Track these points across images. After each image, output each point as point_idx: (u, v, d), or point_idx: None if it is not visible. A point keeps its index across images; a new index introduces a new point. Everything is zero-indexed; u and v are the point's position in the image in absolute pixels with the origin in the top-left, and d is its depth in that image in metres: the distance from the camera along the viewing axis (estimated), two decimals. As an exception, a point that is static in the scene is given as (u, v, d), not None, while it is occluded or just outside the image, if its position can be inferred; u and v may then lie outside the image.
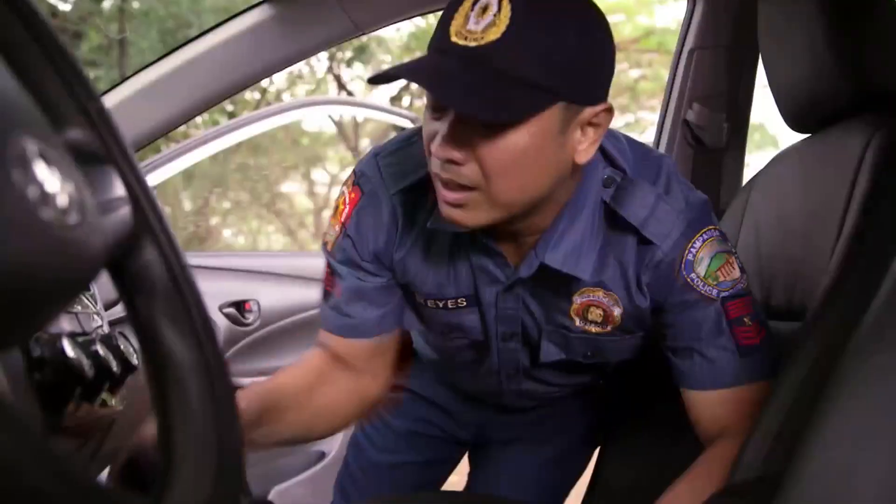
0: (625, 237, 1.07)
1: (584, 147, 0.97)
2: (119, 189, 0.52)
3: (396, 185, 1.10)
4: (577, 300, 1.11)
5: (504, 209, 0.96)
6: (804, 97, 1.25)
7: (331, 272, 1.17)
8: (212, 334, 0.59)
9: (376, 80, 0.92)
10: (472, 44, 0.88)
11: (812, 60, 1.19)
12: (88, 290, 1.03)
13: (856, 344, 0.85)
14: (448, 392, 1.47)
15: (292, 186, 9.57)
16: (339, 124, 8.60)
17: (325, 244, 1.16)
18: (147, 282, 0.56)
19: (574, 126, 0.95)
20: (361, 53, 8.39)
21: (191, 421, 0.56)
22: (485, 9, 0.88)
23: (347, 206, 1.12)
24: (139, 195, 0.55)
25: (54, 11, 7.24)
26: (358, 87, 9.00)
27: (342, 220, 1.12)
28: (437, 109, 0.94)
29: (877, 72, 1.16)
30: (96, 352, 0.86)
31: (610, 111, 0.97)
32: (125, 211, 0.52)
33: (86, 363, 0.81)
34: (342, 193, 1.14)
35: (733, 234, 1.40)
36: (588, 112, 0.95)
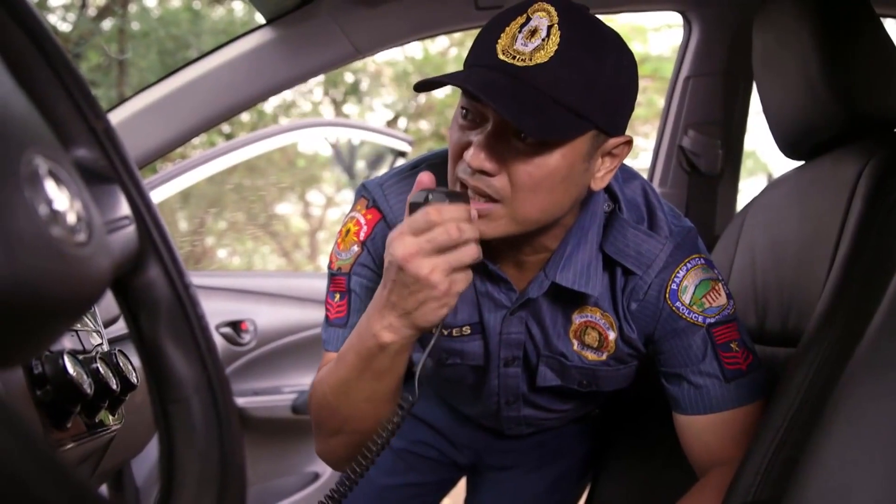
0: (612, 265, 1.10)
1: (601, 175, 1.01)
2: (125, 208, 0.53)
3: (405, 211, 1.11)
4: (577, 319, 1.13)
5: (522, 225, 0.98)
6: (798, 125, 1.26)
7: (343, 297, 1.15)
8: (215, 353, 0.59)
9: (421, 86, 0.95)
10: (520, 63, 0.91)
11: (806, 88, 1.21)
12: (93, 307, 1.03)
13: (850, 370, 0.85)
14: (447, 415, 1.47)
15: (288, 208, 9.58)
16: (334, 147, 8.63)
17: (337, 270, 1.14)
18: (151, 300, 0.56)
19: (598, 154, 0.99)
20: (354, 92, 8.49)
21: (194, 440, 0.56)
22: (533, 32, 0.92)
23: (366, 227, 1.12)
24: (144, 214, 0.56)
25: (54, 31, 7.27)
26: (353, 110, 9.05)
27: (361, 238, 1.12)
28: (472, 120, 0.97)
29: (869, 100, 1.18)
30: (97, 369, 0.87)
31: (629, 143, 1.01)
32: (130, 230, 0.53)
33: (86, 381, 0.81)
34: (353, 218, 1.14)
35: (728, 260, 1.41)
36: (612, 142, 0.99)
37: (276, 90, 1.58)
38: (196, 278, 2.21)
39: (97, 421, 0.89)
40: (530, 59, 0.91)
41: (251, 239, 9.16)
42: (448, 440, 1.49)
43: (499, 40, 0.93)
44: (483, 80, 0.92)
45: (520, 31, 0.92)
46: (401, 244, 0.90)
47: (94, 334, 1.01)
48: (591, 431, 1.51)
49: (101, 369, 0.87)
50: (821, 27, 1.18)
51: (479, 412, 1.36)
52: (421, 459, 1.50)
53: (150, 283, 0.56)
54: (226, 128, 8.07)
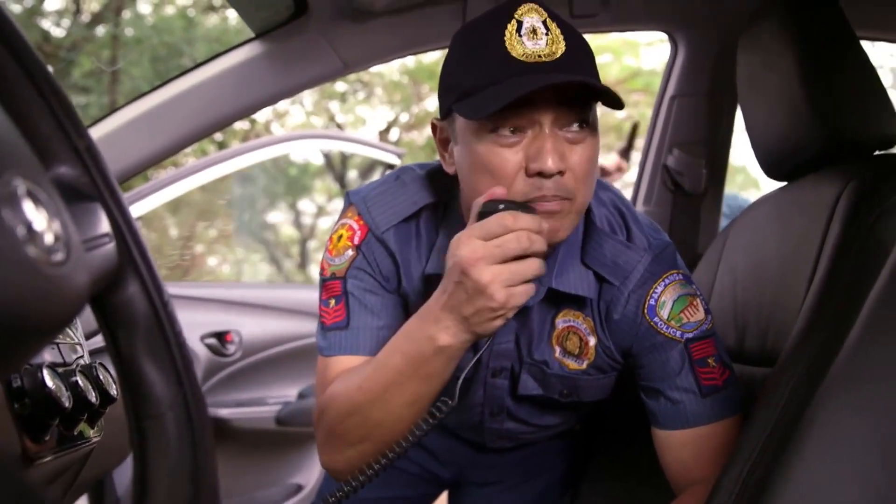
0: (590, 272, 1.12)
1: None
2: (105, 225, 0.54)
3: (388, 222, 1.12)
4: (559, 324, 1.14)
5: (580, 216, 1.02)
6: (780, 146, 1.27)
7: (339, 300, 1.13)
8: (191, 370, 0.60)
9: (485, 112, 0.94)
10: (550, 59, 0.95)
11: (788, 110, 1.22)
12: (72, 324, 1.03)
13: (822, 392, 0.87)
14: (432, 432, 1.47)
15: (278, 216, 9.58)
16: (327, 156, 8.64)
17: (331, 276, 1.14)
18: (129, 316, 0.57)
19: None
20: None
21: (167, 456, 0.57)
22: (534, 31, 0.94)
23: (359, 231, 1.13)
24: (124, 231, 0.56)
25: (47, 37, 7.26)
26: (345, 119, 9.07)
27: (356, 242, 1.12)
28: (518, 133, 0.97)
29: (849, 123, 1.19)
30: (76, 383, 0.87)
31: None
32: (110, 247, 0.54)
33: (65, 394, 0.81)
34: (345, 224, 1.14)
35: (710, 279, 1.42)
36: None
37: (264, 104, 1.59)
38: (182, 289, 2.22)
39: (76, 433, 0.89)
40: (554, 53, 0.95)
41: (241, 247, 9.15)
42: (430, 454, 1.49)
43: (508, 50, 0.95)
44: (543, 80, 0.93)
45: (519, 35, 0.95)
46: (468, 247, 0.90)
47: (76, 347, 1.01)
48: (573, 447, 1.51)
49: (80, 382, 0.87)
50: (803, 50, 1.20)
51: (463, 424, 1.37)
52: (401, 473, 1.50)
53: (129, 299, 0.57)
54: (218, 136, 8.07)
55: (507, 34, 0.95)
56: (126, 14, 7.99)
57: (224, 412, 2.10)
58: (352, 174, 8.71)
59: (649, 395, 1.14)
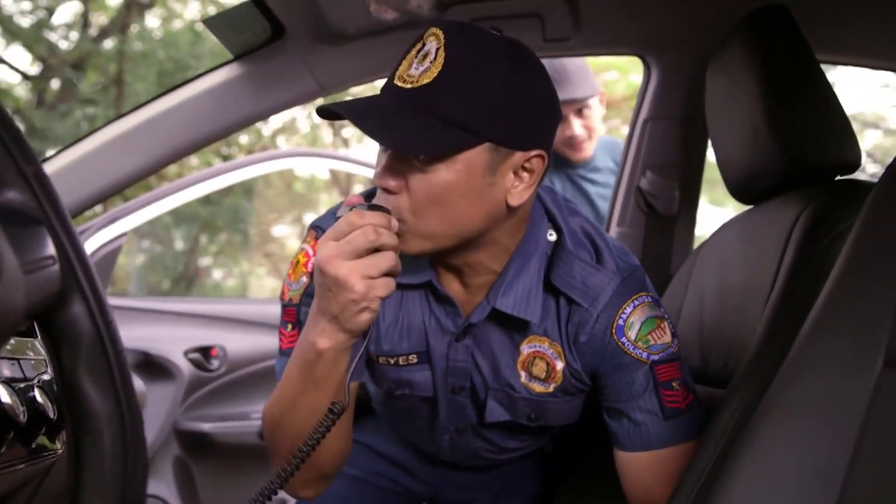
0: (557, 294, 1.13)
1: (519, 190, 1.03)
2: (49, 248, 0.56)
3: None
4: (525, 349, 1.15)
5: (434, 240, 1.02)
6: (745, 170, 1.29)
7: (294, 327, 1.18)
8: (130, 388, 0.62)
9: (322, 113, 1.00)
10: (407, 86, 0.96)
11: (752, 135, 1.24)
12: (9, 340, 1.05)
13: (758, 414, 0.88)
14: (405, 450, 1.48)
15: (283, 230, 9.62)
16: (332, 171, 8.67)
17: (288, 301, 1.18)
18: (73, 335, 0.59)
19: (506, 169, 1.01)
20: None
21: (101, 471, 0.59)
22: (425, 56, 0.97)
23: (313, 258, 1.16)
24: (70, 253, 0.59)
25: (53, 49, 7.33)
26: (352, 132, 9.11)
27: (309, 269, 1.16)
28: (384, 150, 1.02)
29: (810, 149, 1.20)
30: (33, 398, 0.89)
31: (542, 158, 1.03)
32: (53, 269, 0.56)
33: (20, 409, 0.83)
34: (302, 249, 1.18)
35: (679, 301, 1.43)
36: (519, 156, 1.01)
37: (242, 125, 1.62)
38: (168, 304, 2.24)
39: (34, 446, 0.91)
40: (416, 82, 0.96)
41: (246, 260, 9.19)
42: (404, 470, 1.50)
43: (399, 68, 0.99)
44: (364, 104, 0.98)
45: (416, 57, 0.98)
46: (323, 248, 0.95)
47: (42, 363, 1.03)
48: (546, 467, 1.52)
49: (38, 397, 0.90)
50: (766, 76, 1.21)
51: (432, 443, 1.38)
52: (375, 489, 1.51)
53: (73, 319, 0.59)
54: (224, 149, 8.12)
55: (410, 54, 0.99)
56: (135, 27, 8.07)
57: (207, 426, 2.12)
58: (357, 189, 8.75)
59: (612, 417, 1.15)
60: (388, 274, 0.96)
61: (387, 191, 0.99)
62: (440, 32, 0.97)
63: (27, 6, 7.37)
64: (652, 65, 1.82)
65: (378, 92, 1.03)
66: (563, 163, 2.25)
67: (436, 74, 0.95)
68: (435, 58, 0.96)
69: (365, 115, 0.97)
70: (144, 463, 0.63)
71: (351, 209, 0.97)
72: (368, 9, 1.48)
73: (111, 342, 0.62)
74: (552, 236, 1.14)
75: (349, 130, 9.13)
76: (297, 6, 1.50)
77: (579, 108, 2.12)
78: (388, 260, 0.95)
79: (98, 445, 0.60)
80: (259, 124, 8.35)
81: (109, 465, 0.60)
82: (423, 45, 0.98)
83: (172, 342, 2.10)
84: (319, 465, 1.12)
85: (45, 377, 1.01)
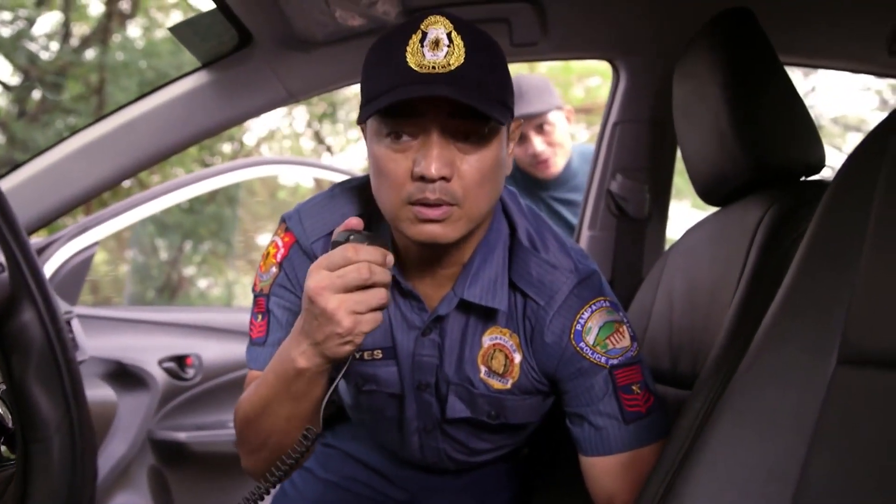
0: (516, 290, 1.15)
1: (509, 158, 1.10)
2: None
3: (317, 233, 1.16)
4: (486, 342, 1.17)
5: (476, 221, 1.05)
6: (712, 172, 1.30)
7: (264, 316, 1.19)
8: (81, 395, 0.62)
9: (365, 116, 1.00)
10: (443, 70, 0.97)
11: (717, 138, 1.25)
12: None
13: (714, 416, 0.88)
14: (381, 455, 1.48)
15: (268, 238, 9.56)
16: (316, 179, 8.65)
17: (259, 291, 1.19)
18: (23, 342, 0.59)
19: (509, 138, 1.09)
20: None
21: (49, 479, 0.59)
22: (437, 43, 0.97)
23: (282, 249, 1.18)
24: (20, 261, 0.59)
25: (34, 59, 7.30)
26: (337, 141, 9.10)
27: (279, 259, 1.17)
28: (405, 141, 1.00)
29: (774, 151, 1.22)
30: (-8, 409, 0.89)
31: (519, 124, 1.12)
32: (2, 276, 0.56)
33: (-23, 420, 0.83)
34: (273, 241, 1.19)
35: (649, 303, 1.44)
36: (514, 125, 1.09)
37: (211, 133, 1.61)
38: (142, 314, 2.23)
39: (-5, 456, 0.91)
40: (449, 65, 0.97)
41: (231, 269, 9.14)
42: (382, 477, 1.50)
43: (406, 60, 0.98)
44: (424, 90, 0.96)
45: (422, 45, 0.98)
46: (315, 277, 0.95)
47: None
48: (522, 470, 1.52)
49: (-2, 409, 0.89)
50: (731, 80, 1.22)
51: (403, 445, 1.38)
52: (350, 494, 1.51)
53: (23, 326, 0.59)
54: (208, 158, 8.10)
55: (411, 44, 0.98)
56: (116, 38, 8.04)
57: (182, 436, 2.10)
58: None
59: (574, 422, 1.16)
60: (376, 309, 0.96)
61: (443, 179, 0.99)
62: (443, 19, 0.99)
63: (7, 16, 7.33)
64: (620, 69, 1.83)
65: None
66: (535, 184, 2.26)
67: (464, 56, 0.97)
68: (450, 42, 0.97)
69: (457, 93, 0.96)
70: (93, 471, 0.62)
71: (349, 236, 0.97)
72: (334, 16, 1.48)
73: (62, 350, 0.62)
74: (508, 230, 1.16)
75: (333, 139, 9.14)
76: (263, 14, 1.50)
77: (539, 123, 2.15)
78: (378, 297, 0.96)
79: (47, 453, 0.59)
80: (241, 133, 8.37)
81: (58, 472, 0.60)
82: (425, 34, 0.98)
83: (146, 351, 2.09)
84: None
85: (4, 387, 1.01)
